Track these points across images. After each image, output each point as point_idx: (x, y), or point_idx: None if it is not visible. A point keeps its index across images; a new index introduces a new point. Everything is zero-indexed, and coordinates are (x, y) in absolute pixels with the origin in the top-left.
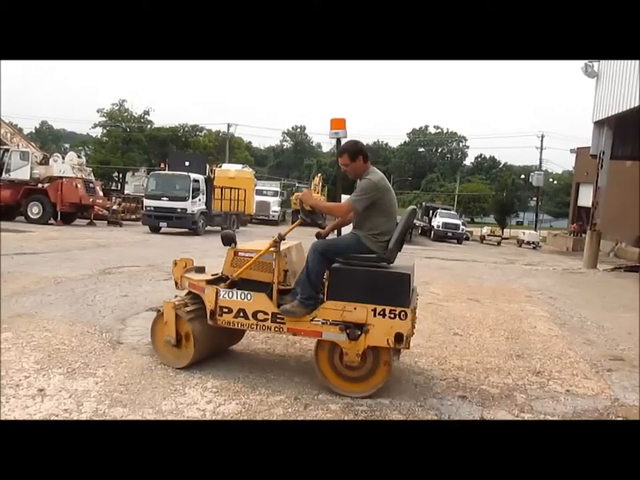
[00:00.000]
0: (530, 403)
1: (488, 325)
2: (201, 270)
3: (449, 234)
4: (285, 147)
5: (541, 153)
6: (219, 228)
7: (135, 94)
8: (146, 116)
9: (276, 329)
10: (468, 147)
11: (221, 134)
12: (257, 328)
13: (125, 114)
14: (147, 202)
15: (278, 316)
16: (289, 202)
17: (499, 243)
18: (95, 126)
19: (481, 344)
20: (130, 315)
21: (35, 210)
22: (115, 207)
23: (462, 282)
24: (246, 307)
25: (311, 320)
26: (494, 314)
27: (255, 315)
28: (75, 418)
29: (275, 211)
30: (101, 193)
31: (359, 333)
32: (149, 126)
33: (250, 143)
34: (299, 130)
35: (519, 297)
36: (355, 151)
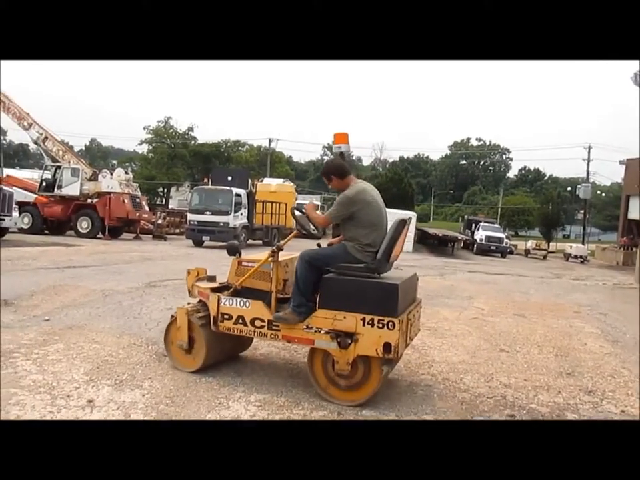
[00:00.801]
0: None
1: (535, 342)
2: (212, 279)
3: (493, 247)
4: (325, 161)
5: (588, 164)
6: (260, 241)
7: (179, 111)
8: (190, 132)
9: (272, 336)
10: (511, 159)
11: (262, 149)
12: (254, 334)
13: (170, 130)
14: (190, 216)
15: (273, 323)
16: None
17: (544, 257)
18: (142, 142)
19: (529, 361)
20: None
21: (84, 224)
22: (159, 221)
23: (507, 297)
24: (244, 314)
25: (304, 328)
26: (541, 330)
27: (252, 321)
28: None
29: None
30: (146, 208)
31: (349, 341)
32: (192, 142)
33: (291, 157)
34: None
35: (567, 312)
36: (327, 171)
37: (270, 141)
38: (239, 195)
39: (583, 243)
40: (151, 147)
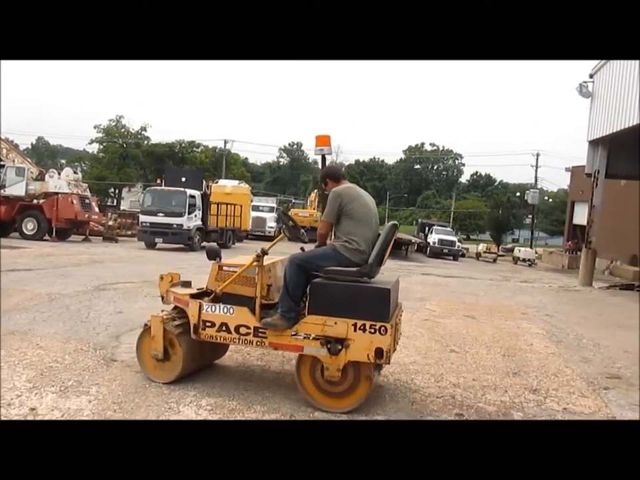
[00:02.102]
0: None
1: (484, 342)
2: (187, 284)
3: (445, 250)
4: (281, 163)
5: (536, 171)
6: (215, 244)
7: (132, 110)
8: (143, 132)
9: (258, 343)
10: (464, 165)
11: (217, 150)
12: (239, 342)
13: (122, 130)
14: (142, 218)
15: (260, 330)
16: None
17: (494, 260)
18: (92, 142)
19: (478, 361)
20: (124, 331)
21: (29, 226)
22: (110, 223)
23: (458, 299)
24: (228, 321)
25: (293, 334)
26: (490, 331)
27: (237, 329)
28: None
29: (271, 227)
30: (96, 209)
31: (340, 347)
32: (145, 142)
33: (246, 159)
34: (295, 146)
35: (515, 314)
36: (323, 177)
37: (225, 142)
38: (193, 197)
39: (531, 247)
40: (101, 147)
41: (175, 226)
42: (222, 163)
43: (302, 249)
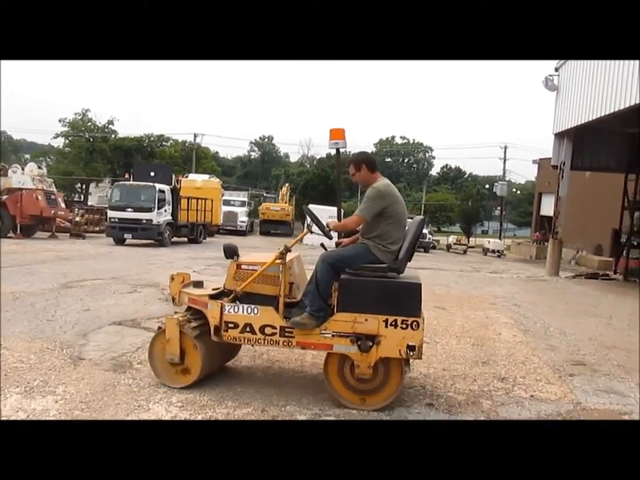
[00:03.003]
0: (495, 409)
1: (454, 333)
2: (199, 284)
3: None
4: (252, 157)
5: (504, 163)
6: (186, 239)
7: (99, 103)
8: (110, 126)
9: (284, 344)
10: (434, 157)
11: (187, 144)
12: (264, 343)
13: (89, 124)
14: (111, 213)
15: (286, 330)
16: (256, 212)
17: (464, 252)
18: (57, 136)
19: (448, 351)
20: (92, 329)
21: None
22: (77, 219)
23: (428, 290)
24: (253, 322)
25: (321, 332)
26: (460, 321)
27: (262, 329)
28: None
29: (243, 222)
30: (63, 205)
31: (371, 344)
32: (113, 136)
33: (217, 153)
34: (266, 140)
35: (484, 304)
36: (358, 160)
37: (195, 135)
38: (162, 191)
39: (500, 238)
40: (67, 141)
41: (144, 221)
42: (192, 157)
43: (323, 246)
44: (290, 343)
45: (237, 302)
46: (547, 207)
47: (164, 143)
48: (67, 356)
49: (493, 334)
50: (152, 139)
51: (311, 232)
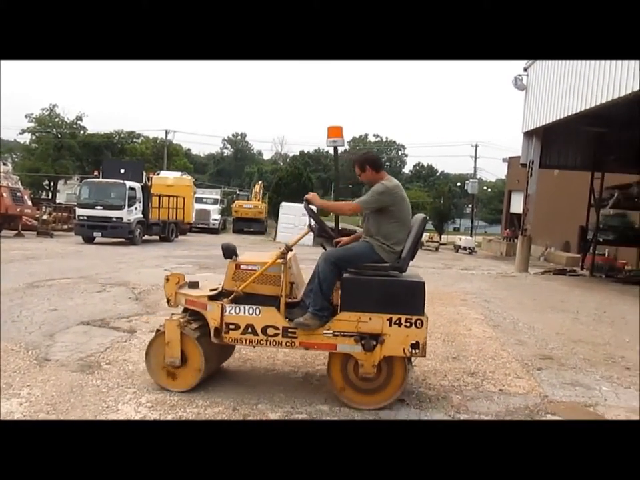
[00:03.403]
0: (465, 404)
1: None
2: (194, 285)
3: None
4: (225, 155)
5: (475, 161)
6: (157, 237)
7: (67, 99)
8: (79, 122)
9: (287, 344)
10: (406, 155)
11: (158, 141)
12: (266, 344)
13: (56, 119)
14: (79, 211)
15: (289, 330)
16: (229, 210)
17: (436, 249)
18: (23, 132)
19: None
20: (59, 330)
21: None
22: (45, 217)
23: None
24: (254, 323)
25: (325, 333)
26: (431, 317)
27: (264, 330)
28: None
29: (215, 219)
30: (29, 203)
31: (375, 343)
32: (81, 132)
33: (189, 150)
34: (239, 137)
35: (455, 300)
36: (361, 161)
37: (167, 132)
38: (133, 189)
39: (471, 235)
40: (34, 137)
41: (114, 219)
42: (163, 154)
43: (323, 245)
44: (293, 344)
45: (237, 302)
46: (517, 205)
47: (135, 140)
48: (32, 357)
49: (463, 330)
50: (122, 135)
51: (312, 231)
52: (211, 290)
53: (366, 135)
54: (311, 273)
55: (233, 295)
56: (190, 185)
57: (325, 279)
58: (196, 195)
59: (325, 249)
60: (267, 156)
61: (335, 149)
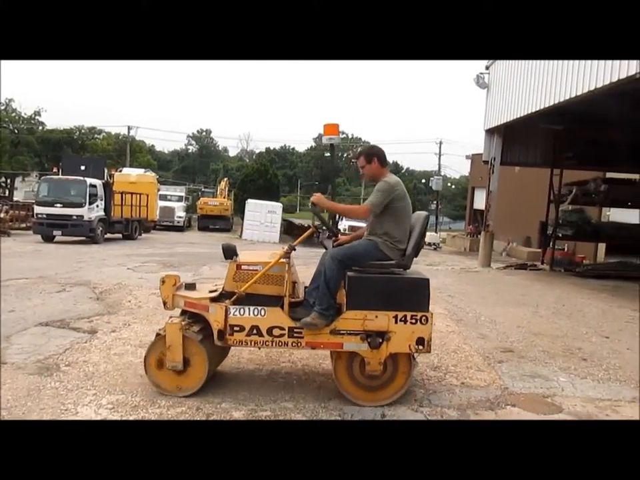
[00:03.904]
0: (428, 397)
1: None
2: (191, 287)
3: None
4: (190, 151)
5: (439, 158)
6: (120, 235)
7: (25, 93)
8: (37, 117)
9: (293, 344)
10: None
11: (120, 137)
12: (272, 345)
13: (13, 114)
14: (38, 209)
15: (295, 330)
16: (194, 207)
17: None
18: None
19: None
20: (16, 331)
21: None
22: (1, 215)
23: None
24: (260, 324)
25: (331, 332)
26: None
27: (269, 331)
28: None
29: (180, 217)
30: None
31: (380, 341)
32: (40, 127)
33: (153, 146)
34: (204, 133)
35: None
36: (371, 153)
37: (129, 128)
38: (94, 186)
39: (436, 232)
40: None
41: (74, 217)
42: (126, 150)
43: (323, 244)
44: (299, 344)
45: (240, 304)
46: (480, 201)
47: (96, 136)
48: None
49: None
50: (83, 131)
51: (317, 230)
52: (211, 291)
53: None
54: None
55: (235, 296)
56: (153, 181)
57: (332, 278)
58: (160, 192)
59: (326, 248)
60: (232, 152)
61: (332, 146)
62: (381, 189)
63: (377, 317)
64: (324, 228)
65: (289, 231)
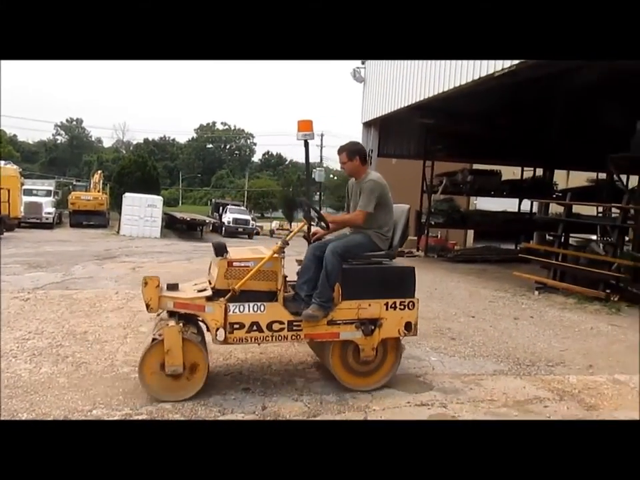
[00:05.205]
0: (308, 386)
1: None
2: (174, 287)
3: (240, 229)
4: (59, 142)
5: (321, 150)
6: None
7: None
8: None
9: (293, 337)
10: (255, 144)
11: None
12: (272, 339)
13: None
14: None
15: (294, 323)
16: (65, 202)
17: None
18: None
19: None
20: None
21: None
22: None
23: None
24: (260, 320)
25: (328, 322)
26: None
27: (269, 326)
28: None
29: (49, 213)
30: None
31: (373, 327)
32: None
33: (15, 136)
34: (74, 123)
35: None
36: (354, 150)
37: None
38: None
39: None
40: None
41: None
42: None
43: (307, 238)
44: (298, 337)
45: (235, 301)
46: None
47: None
48: None
49: None
50: None
51: (310, 224)
52: (199, 291)
53: (214, 123)
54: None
55: (230, 294)
56: (16, 175)
57: (333, 271)
58: (24, 187)
59: (310, 243)
60: (107, 143)
61: (306, 142)
62: (371, 189)
63: (369, 305)
64: (315, 222)
65: (171, 225)
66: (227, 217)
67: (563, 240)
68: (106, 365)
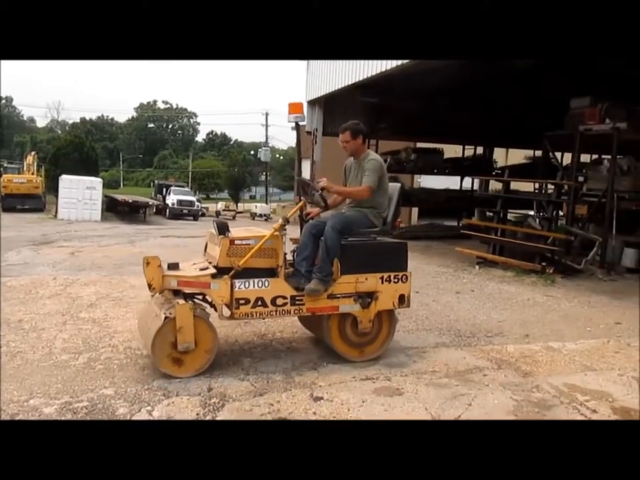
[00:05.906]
0: (255, 365)
1: None
2: (175, 267)
3: (185, 211)
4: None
5: (266, 129)
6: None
7: None
8: None
9: (295, 312)
10: (199, 124)
11: None
12: (276, 314)
13: None
14: None
15: (297, 298)
16: None
17: (233, 217)
18: None
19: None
20: None
21: None
22: None
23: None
24: (264, 295)
25: (328, 297)
26: None
27: (273, 301)
28: None
29: None
30: None
31: (369, 300)
32: None
33: None
34: (4, 101)
35: None
36: (357, 129)
37: None
38: None
39: (267, 203)
40: None
41: None
42: None
43: (301, 217)
44: (301, 311)
45: (238, 278)
46: (307, 172)
47: None
48: None
49: None
50: None
51: (308, 202)
52: (201, 269)
53: (155, 102)
54: None
55: (234, 271)
56: None
57: (333, 246)
58: None
59: (305, 222)
60: (41, 123)
61: (297, 124)
62: (375, 168)
63: (367, 279)
64: (313, 200)
65: (113, 208)
66: (171, 199)
67: (501, 216)
68: (43, 353)
